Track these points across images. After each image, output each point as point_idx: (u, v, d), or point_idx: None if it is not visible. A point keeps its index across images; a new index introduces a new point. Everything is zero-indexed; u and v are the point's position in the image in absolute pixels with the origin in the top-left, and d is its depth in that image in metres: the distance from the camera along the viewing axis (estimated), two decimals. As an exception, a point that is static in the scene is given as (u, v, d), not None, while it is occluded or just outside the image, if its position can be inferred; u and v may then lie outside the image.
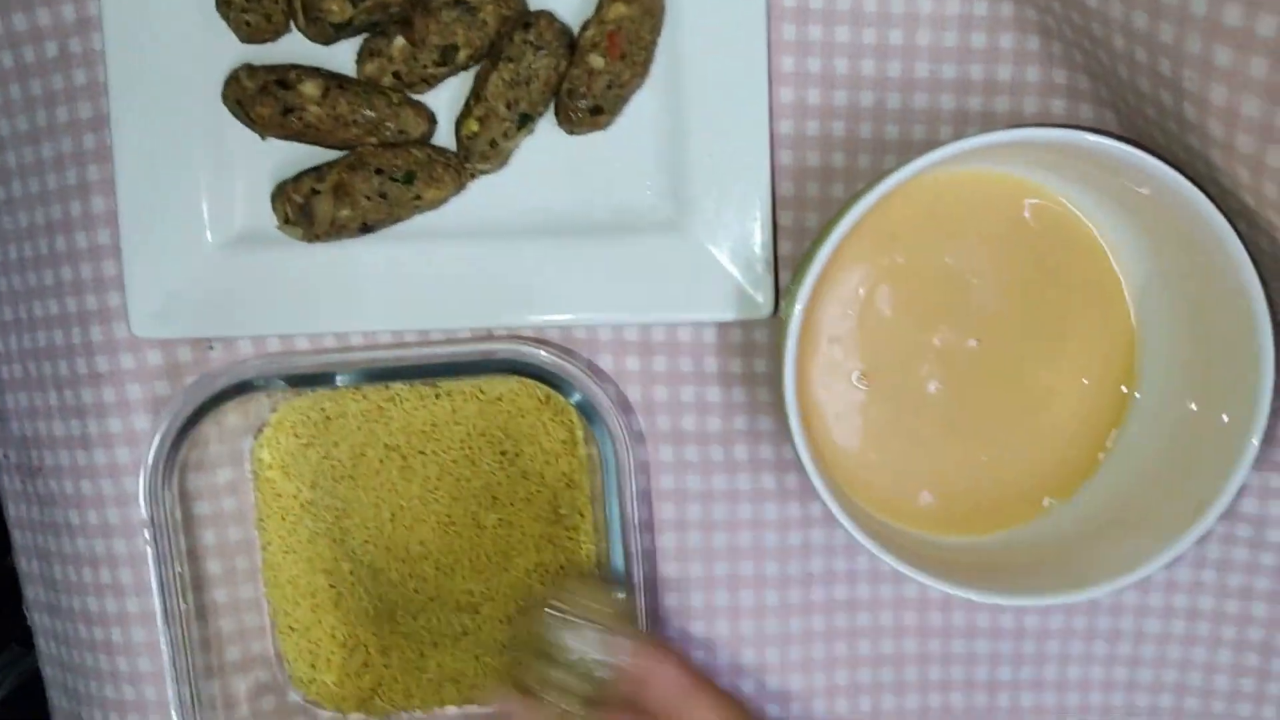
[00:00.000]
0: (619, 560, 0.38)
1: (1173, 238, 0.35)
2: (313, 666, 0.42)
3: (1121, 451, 0.38)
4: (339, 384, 0.37)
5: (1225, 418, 0.34)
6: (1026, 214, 0.39)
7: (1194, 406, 0.36)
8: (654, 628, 0.40)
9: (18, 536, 0.44)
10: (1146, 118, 0.36)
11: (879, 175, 0.34)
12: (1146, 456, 0.38)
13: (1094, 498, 0.38)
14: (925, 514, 0.39)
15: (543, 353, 0.38)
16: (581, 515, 0.40)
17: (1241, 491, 0.42)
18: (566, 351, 0.40)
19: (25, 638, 0.46)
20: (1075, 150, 0.34)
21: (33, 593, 0.44)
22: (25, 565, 0.44)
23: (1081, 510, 0.38)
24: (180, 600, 0.38)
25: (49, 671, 0.45)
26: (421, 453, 0.40)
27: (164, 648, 0.38)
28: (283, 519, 0.41)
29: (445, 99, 0.39)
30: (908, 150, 0.41)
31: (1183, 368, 0.37)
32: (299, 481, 0.40)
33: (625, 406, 0.41)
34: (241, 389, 0.37)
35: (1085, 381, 0.39)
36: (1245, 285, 0.32)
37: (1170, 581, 0.43)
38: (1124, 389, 0.39)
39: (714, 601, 0.42)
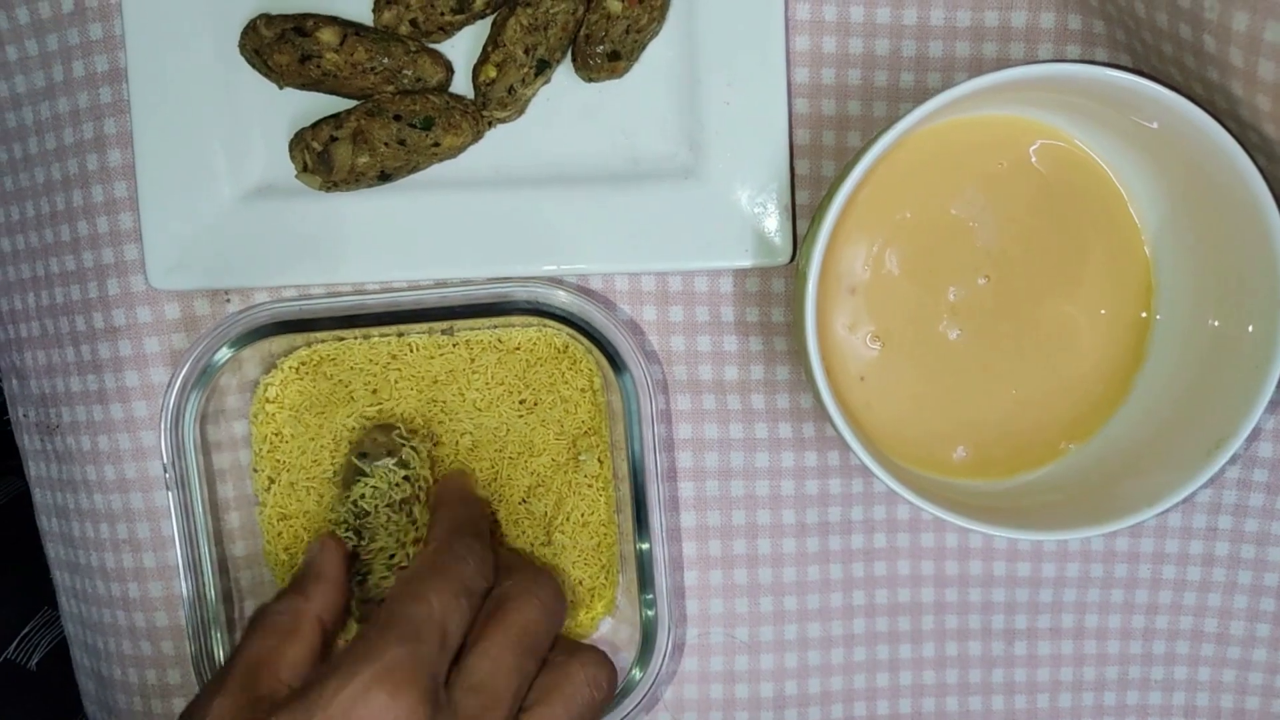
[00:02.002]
0: (641, 509, 0.38)
1: (1185, 170, 0.36)
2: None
3: (1146, 380, 0.39)
4: (357, 326, 0.37)
5: (1250, 328, 0.34)
6: (1033, 154, 0.39)
7: (1216, 323, 0.36)
8: (674, 575, 0.40)
9: (38, 495, 0.44)
10: (1163, 55, 0.36)
11: (896, 118, 0.34)
12: (1172, 380, 0.38)
13: (1120, 431, 0.38)
14: (951, 461, 0.39)
15: (564, 294, 0.38)
16: (600, 463, 0.40)
17: (1258, 435, 0.42)
18: (587, 294, 0.40)
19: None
20: (1089, 85, 0.34)
21: (53, 550, 0.44)
22: (46, 523, 0.44)
23: (1107, 447, 0.38)
24: (199, 551, 0.38)
25: (70, 629, 0.45)
26: (437, 400, 0.40)
27: (184, 599, 0.38)
28: (279, 460, 0.40)
29: (462, 49, 0.39)
30: (923, 98, 0.41)
31: (1200, 288, 0.37)
32: (304, 424, 0.40)
33: (645, 354, 0.41)
34: (257, 334, 0.37)
35: (1103, 311, 0.39)
36: (1263, 214, 0.33)
37: (1186, 527, 0.43)
38: (1143, 315, 0.39)
39: (732, 550, 0.42)
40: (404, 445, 0.38)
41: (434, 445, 0.40)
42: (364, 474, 0.37)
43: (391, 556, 0.37)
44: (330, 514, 0.39)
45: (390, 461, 0.37)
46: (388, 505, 0.37)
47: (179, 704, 0.43)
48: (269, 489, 0.40)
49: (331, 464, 0.40)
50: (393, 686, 0.29)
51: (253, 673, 0.33)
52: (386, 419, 0.40)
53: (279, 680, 0.33)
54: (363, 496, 0.37)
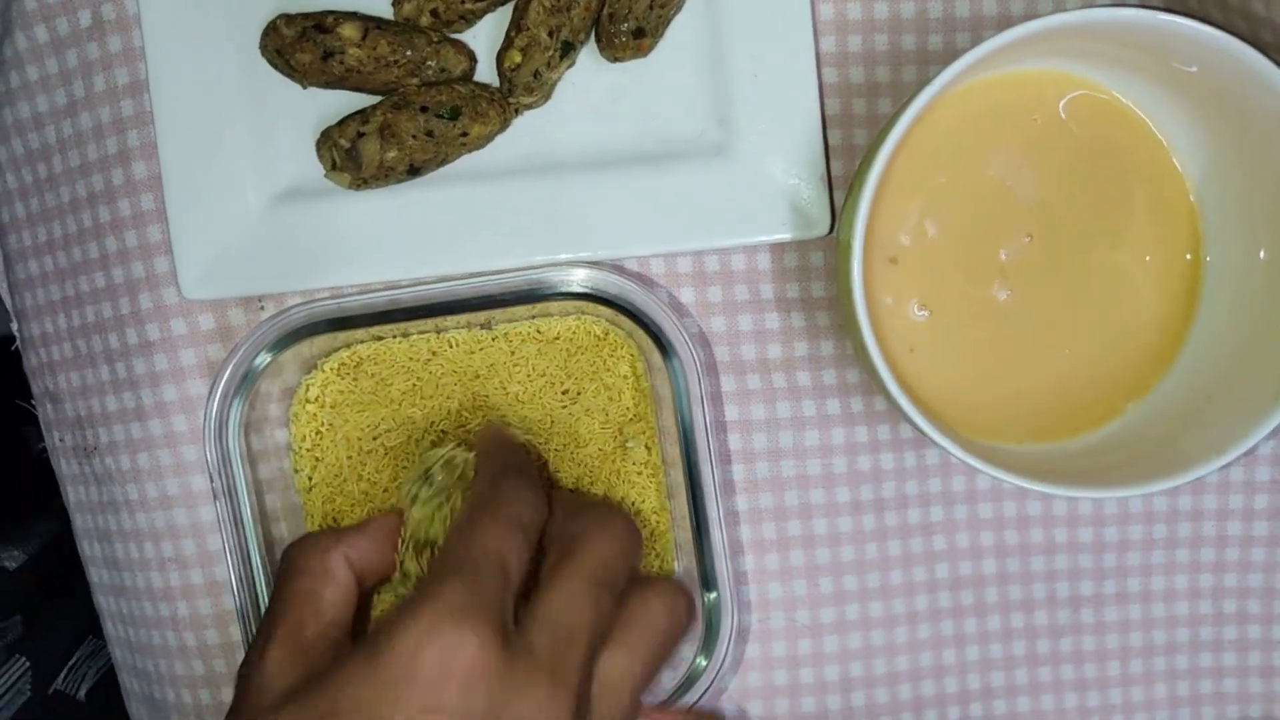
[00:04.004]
0: (697, 493, 0.37)
1: (1227, 111, 0.35)
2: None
3: (1201, 326, 0.38)
4: (397, 321, 0.37)
5: None
6: (1067, 108, 0.38)
7: (1264, 254, 0.36)
8: (732, 561, 0.39)
9: (78, 520, 0.44)
10: (1201, -5, 0.35)
11: (929, 79, 0.34)
12: (1228, 323, 0.37)
13: (1179, 383, 0.37)
14: (1009, 427, 0.38)
15: (607, 275, 0.37)
16: (649, 450, 0.40)
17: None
18: (628, 275, 0.39)
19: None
20: (1125, 31, 0.33)
21: (96, 575, 0.44)
22: (87, 549, 0.44)
23: (1167, 400, 0.37)
24: (250, 563, 0.38)
25: (118, 654, 0.44)
26: (479, 394, 0.39)
27: (237, 612, 0.37)
28: (318, 459, 0.40)
29: (484, 38, 0.39)
30: (952, 59, 0.40)
31: (1247, 225, 0.36)
32: (345, 424, 0.39)
33: (690, 335, 0.40)
34: (295, 336, 0.37)
35: (1148, 258, 0.38)
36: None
37: (1249, 481, 0.42)
38: (1188, 257, 0.38)
39: (787, 532, 0.41)
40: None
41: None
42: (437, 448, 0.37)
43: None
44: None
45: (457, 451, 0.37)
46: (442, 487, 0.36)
47: (234, 722, 0.42)
48: (310, 489, 0.39)
49: (374, 464, 0.39)
50: (456, 623, 0.28)
51: (296, 618, 0.32)
52: (430, 419, 0.39)
53: (323, 621, 0.33)
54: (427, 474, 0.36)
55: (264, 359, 0.37)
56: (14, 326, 0.44)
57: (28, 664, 0.50)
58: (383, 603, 0.38)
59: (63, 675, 0.51)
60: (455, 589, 0.29)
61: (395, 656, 0.28)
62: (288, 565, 0.34)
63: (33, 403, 0.45)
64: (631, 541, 0.34)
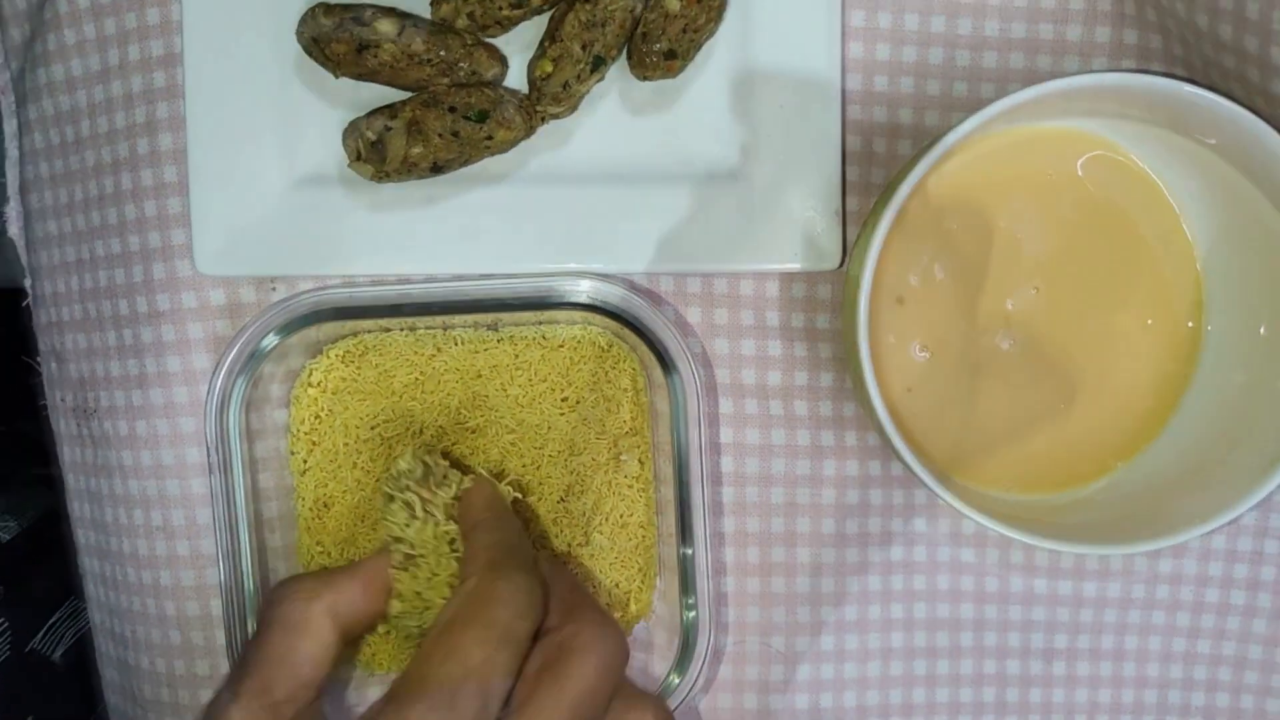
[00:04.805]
0: (685, 511, 0.38)
1: (1241, 186, 0.36)
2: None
3: (1196, 393, 0.38)
4: (406, 315, 0.37)
5: None
6: (1084, 167, 0.39)
7: (1264, 330, 0.36)
8: (715, 580, 0.39)
9: (70, 480, 0.44)
10: (1224, 70, 0.36)
11: (950, 126, 0.34)
12: (1222, 392, 0.37)
13: (1170, 447, 0.38)
14: (999, 476, 0.39)
15: (615, 288, 0.38)
16: (641, 464, 0.40)
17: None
18: (637, 290, 0.40)
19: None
20: (1146, 97, 0.34)
21: (83, 536, 0.44)
22: (77, 509, 0.44)
23: (1157, 463, 0.38)
24: (239, 540, 0.38)
25: (97, 617, 0.44)
26: (480, 394, 0.40)
27: (220, 587, 0.38)
28: (315, 443, 0.40)
29: (518, 44, 0.39)
30: (976, 108, 0.41)
31: (1250, 299, 0.37)
32: (345, 411, 0.39)
33: (693, 354, 0.40)
34: (304, 320, 0.37)
35: (1150, 322, 0.39)
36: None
37: (1230, 550, 0.43)
38: (1190, 325, 0.39)
39: (771, 558, 0.42)
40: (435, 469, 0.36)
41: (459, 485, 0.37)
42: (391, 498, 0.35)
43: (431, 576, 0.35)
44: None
45: (415, 486, 0.35)
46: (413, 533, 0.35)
47: (206, 694, 0.42)
48: (304, 472, 0.40)
49: (369, 454, 0.40)
50: None
51: (267, 676, 0.31)
52: (429, 414, 0.40)
53: (295, 682, 0.31)
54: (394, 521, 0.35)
55: (271, 340, 0.37)
56: (28, 283, 0.44)
57: (6, 624, 0.50)
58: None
59: (41, 634, 0.52)
60: (423, 716, 0.27)
61: None
62: (270, 612, 0.32)
63: (38, 359, 0.45)
64: (621, 663, 0.31)
